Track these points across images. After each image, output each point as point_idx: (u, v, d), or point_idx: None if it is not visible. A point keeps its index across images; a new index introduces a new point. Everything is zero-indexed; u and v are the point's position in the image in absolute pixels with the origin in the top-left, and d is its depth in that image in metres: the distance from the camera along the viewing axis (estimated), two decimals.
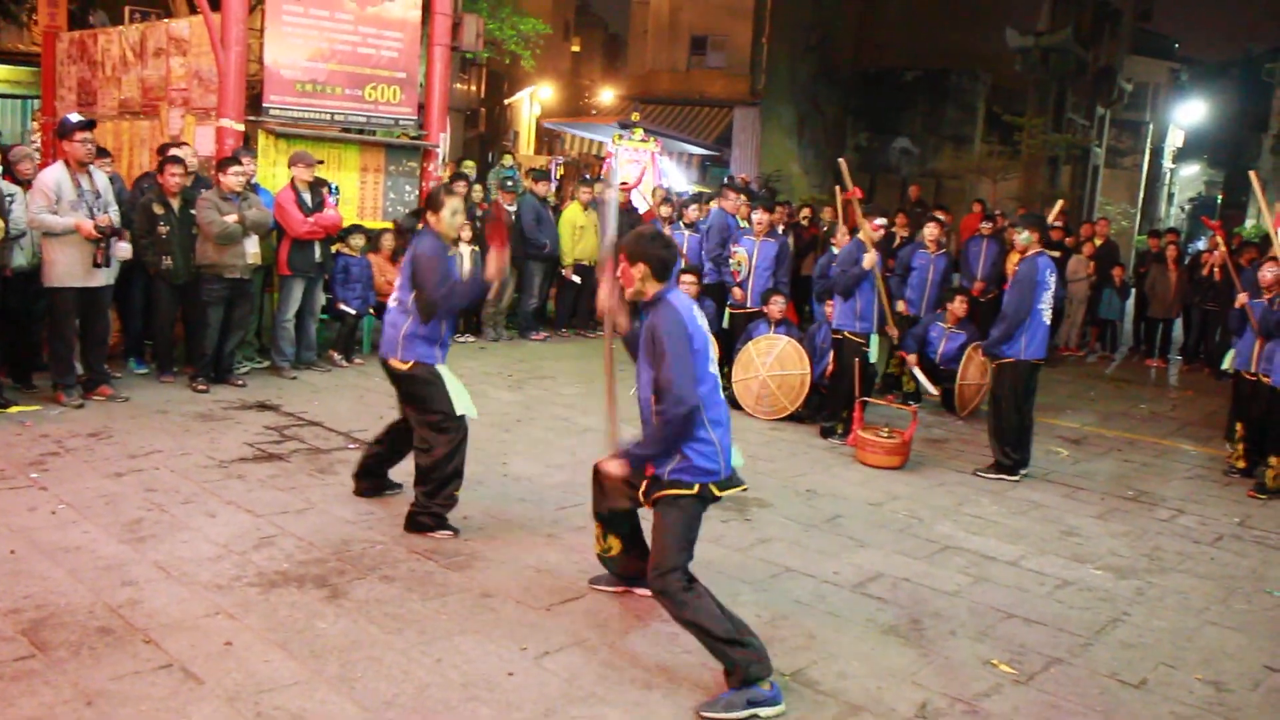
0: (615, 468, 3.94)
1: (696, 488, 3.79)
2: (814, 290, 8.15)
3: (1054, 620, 4.66)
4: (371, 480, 5.58)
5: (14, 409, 6.74)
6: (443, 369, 5.09)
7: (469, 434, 5.17)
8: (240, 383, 8.04)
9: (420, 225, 5.18)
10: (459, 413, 5.03)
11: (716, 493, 3.83)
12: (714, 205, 10.41)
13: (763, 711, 3.56)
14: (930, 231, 9.71)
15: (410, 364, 4.99)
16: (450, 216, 5.03)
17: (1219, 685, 4.14)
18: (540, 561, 4.87)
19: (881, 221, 7.96)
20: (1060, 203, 10.07)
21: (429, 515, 5.09)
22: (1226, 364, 8.17)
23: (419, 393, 5.04)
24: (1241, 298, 7.26)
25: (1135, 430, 9.23)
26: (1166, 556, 5.72)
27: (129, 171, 9.72)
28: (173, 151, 8.15)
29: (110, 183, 7.37)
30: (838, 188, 8.04)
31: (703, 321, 3.87)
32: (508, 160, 14.44)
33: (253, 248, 7.93)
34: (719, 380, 3.92)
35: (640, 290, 3.85)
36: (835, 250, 8.70)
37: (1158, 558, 5.69)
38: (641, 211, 13.09)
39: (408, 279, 4.99)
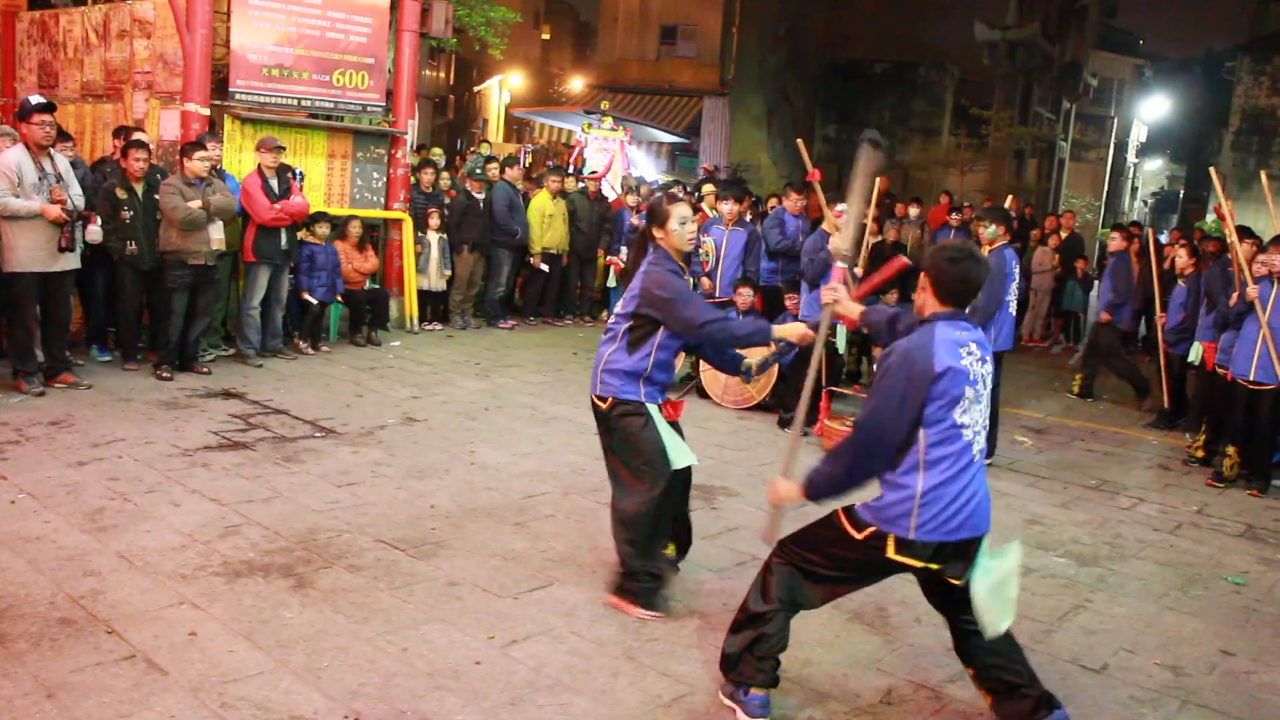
0: (785, 489, 3.52)
1: (867, 532, 3.30)
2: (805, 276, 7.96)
3: (1017, 607, 4.71)
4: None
5: None
6: (653, 409, 4.32)
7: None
8: (205, 370, 7.96)
9: (649, 245, 4.36)
10: (673, 464, 4.27)
11: (893, 554, 3.25)
12: (773, 204, 10.30)
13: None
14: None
15: (608, 401, 4.30)
16: (679, 227, 4.26)
17: (1177, 669, 4.22)
18: (507, 550, 4.86)
19: (844, 208, 7.97)
20: (1010, 198, 10.21)
21: (633, 581, 4.34)
22: (1193, 356, 8.27)
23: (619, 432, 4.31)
24: (1251, 290, 7.01)
25: (1097, 420, 9.36)
26: (1127, 544, 5.82)
27: (91, 155, 9.57)
28: (136, 136, 8.04)
29: (73, 167, 7.26)
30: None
31: (974, 363, 3.25)
32: (485, 149, 14.40)
33: (217, 233, 7.84)
34: (967, 436, 3.27)
35: (920, 305, 3.40)
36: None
37: (1119, 545, 5.78)
38: (611, 200, 13.07)
39: (633, 309, 4.27)
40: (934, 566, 3.28)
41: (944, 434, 3.22)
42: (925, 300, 3.36)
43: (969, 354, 3.25)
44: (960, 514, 3.24)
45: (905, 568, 3.30)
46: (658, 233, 4.30)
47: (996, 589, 3.33)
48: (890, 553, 3.27)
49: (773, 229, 9.45)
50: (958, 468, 3.25)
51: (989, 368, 3.33)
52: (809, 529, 3.52)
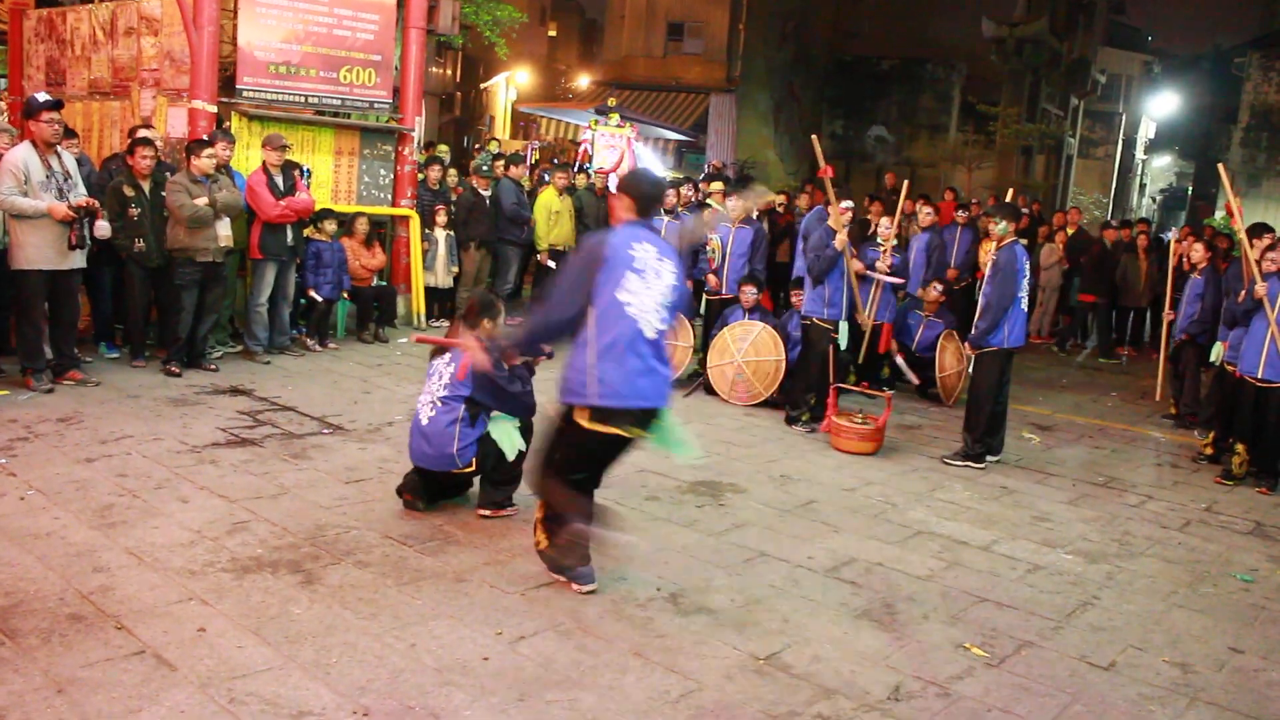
0: (476, 355, 4.47)
1: (563, 408, 4.16)
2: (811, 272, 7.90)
3: (1025, 604, 4.71)
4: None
5: None
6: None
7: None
8: (213, 367, 7.97)
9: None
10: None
11: (587, 424, 4.07)
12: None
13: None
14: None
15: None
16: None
17: (1185, 667, 4.21)
18: (514, 546, 4.86)
19: (849, 205, 7.95)
20: (1010, 191, 10.20)
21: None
22: (1214, 356, 8.21)
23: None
24: (1260, 288, 6.99)
25: (1105, 417, 9.34)
26: (1135, 541, 5.80)
27: (99, 153, 9.59)
28: (142, 133, 8.05)
29: (79, 164, 7.28)
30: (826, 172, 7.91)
31: (646, 256, 4.06)
32: (494, 146, 14.41)
33: (224, 230, 7.85)
34: (632, 313, 4.02)
35: (615, 215, 4.26)
36: (881, 242, 8.68)
37: (1127, 543, 5.77)
38: None
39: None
40: (638, 432, 4.10)
41: (610, 311, 3.95)
42: (620, 210, 4.23)
43: (643, 249, 4.06)
44: (633, 384, 3.98)
45: (610, 438, 4.10)
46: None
47: (677, 442, 4.35)
48: (585, 422, 4.07)
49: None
50: (625, 341, 3.96)
51: (668, 265, 4.12)
52: (545, 436, 4.39)
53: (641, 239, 4.10)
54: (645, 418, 4.13)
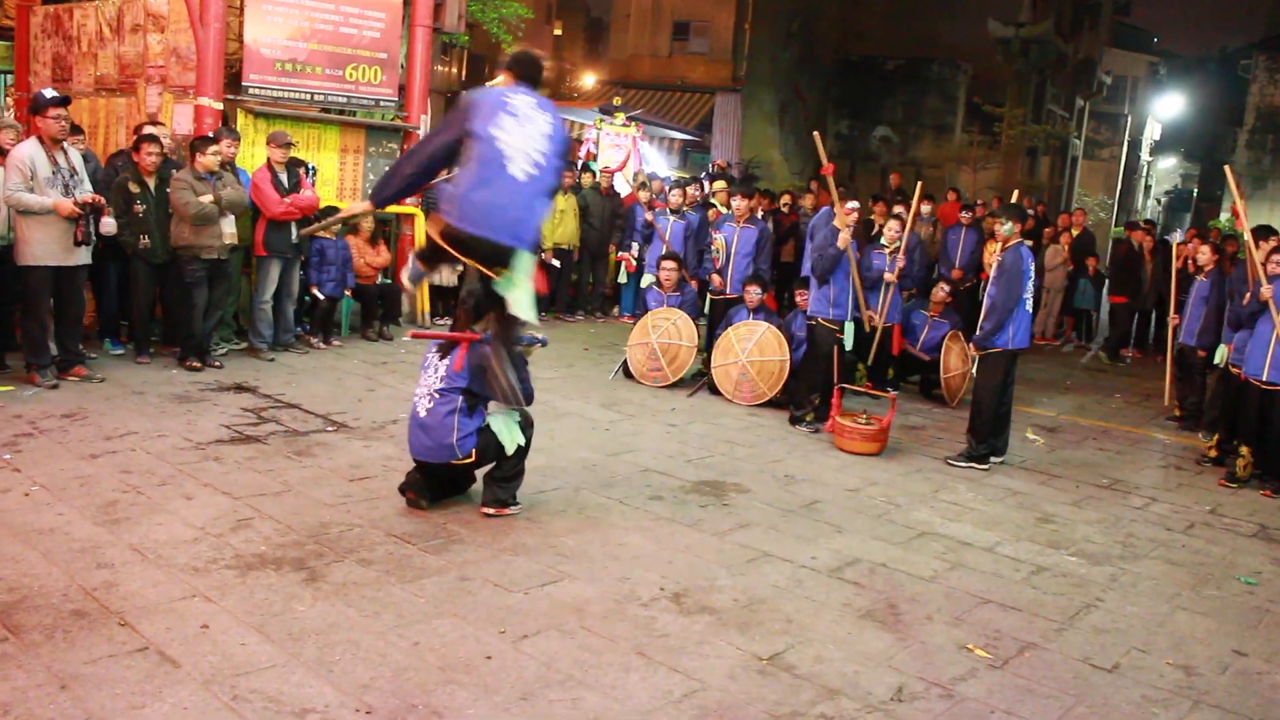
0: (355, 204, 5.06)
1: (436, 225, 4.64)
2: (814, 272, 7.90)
3: (1029, 605, 4.71)
4: None
5: None
6: None
7: None
8: (217, 364, 7.98)
9: None
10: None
11: (439, 239, 4.60)
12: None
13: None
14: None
15: None
16: None
17: (1189, 669, 4.20)
18: (518, 545, 4.87)
19: (854, 205, 7.93)
20: (1016, 192, 10.17)
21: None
22: (1218, 359, 8.18)
23: None
24: (1265, 290, 6.96)
25: (1110, 419, 9.32)
26: (1139, 543, 5.79)
27: (105, 149, 9.60)
28: (148, 130, 8.06)
29: (85, 161, 7.28)
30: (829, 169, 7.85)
31: (520, 105, 4.54)
32: None
33: (229, 228, 7.86)
34: (501, 148, 4.44)
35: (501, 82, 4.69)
36: (885, 243, 8.64)
37: (1131, 545, 5.76)
38: (624, 196, 13.06)
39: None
40: (484, 270, 4.50)
41: (483, 146, 4.37)
42: (504, 79, 4.70)
43: (519, 98, 4.56)
44: (489, 215, 4.33)
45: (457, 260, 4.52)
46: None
47: (520, 296, 4.57)
48: (436, 235, 4.49)
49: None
50: (491, 173, 4.36)
51: (545, 115, 4.58)
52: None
53: (519, 93, 4.62)
54: (497, 254, 4.49)
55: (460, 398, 5.03)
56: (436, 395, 5.06)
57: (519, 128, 4.47)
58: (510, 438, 5.15)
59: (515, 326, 4.83)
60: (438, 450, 5.06)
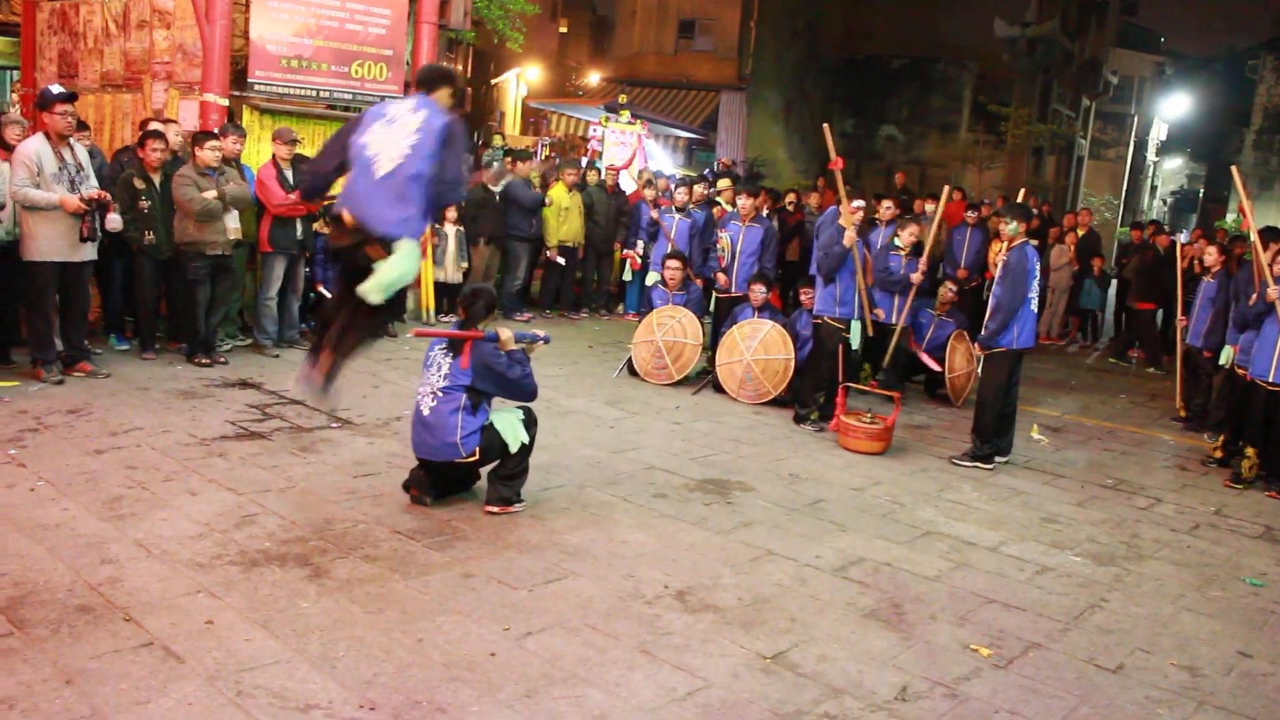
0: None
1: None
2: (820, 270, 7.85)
3: (1033, 605, 4.70)
4: None
5: None
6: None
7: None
8: (222, 360, 7.99)
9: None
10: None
11: (322, 225, 5.35)
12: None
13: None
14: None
15: None
16: None
17: (1193, 670, 4.19)
18: (522, 542, 4.87)
19: (860, 204, 7.91)
20: (1023, 191, 10.12)
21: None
22: (1224, 359, 8.16)
23: None
24: (1272, 291, 6.91)
25: (1115, 419, 9.31)
26: (1144, 544, 5.78)
27: (111, 145, 9.61)
28: (153, 125, 8.06)
29: (91, 156, 7.29)
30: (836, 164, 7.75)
31: (398, 109, 4.85)
32: (498, 140, 14.39)
33: (233, 223, 7.86)
34: (368, 152, 4.76)
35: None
36: (898, 243, 8.56)
37: (1136, 545, 5.75)
38: (629, 193, 13.05)
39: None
40: (363, 251, 4.70)
41: (356, 153, 4.77)
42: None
43: (400, 106, 4.88)
44: (366, 206, 4.67)
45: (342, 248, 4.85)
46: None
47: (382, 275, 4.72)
48: (322, 225, 5.16)
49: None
50: (360, 170, 4.74)
51: (420, 115, 4.76)
52: None
53: (406, 100, 5.05)
54: (372, 238, 4.72)
55: (464, 396, 5.04)
56: (440, 393, 5.06)
57: (386, 130, 4.78)
58: (514, 436, 5.15)
59: (381, 307, 4.97)
60: (441, 449, 5.06)
